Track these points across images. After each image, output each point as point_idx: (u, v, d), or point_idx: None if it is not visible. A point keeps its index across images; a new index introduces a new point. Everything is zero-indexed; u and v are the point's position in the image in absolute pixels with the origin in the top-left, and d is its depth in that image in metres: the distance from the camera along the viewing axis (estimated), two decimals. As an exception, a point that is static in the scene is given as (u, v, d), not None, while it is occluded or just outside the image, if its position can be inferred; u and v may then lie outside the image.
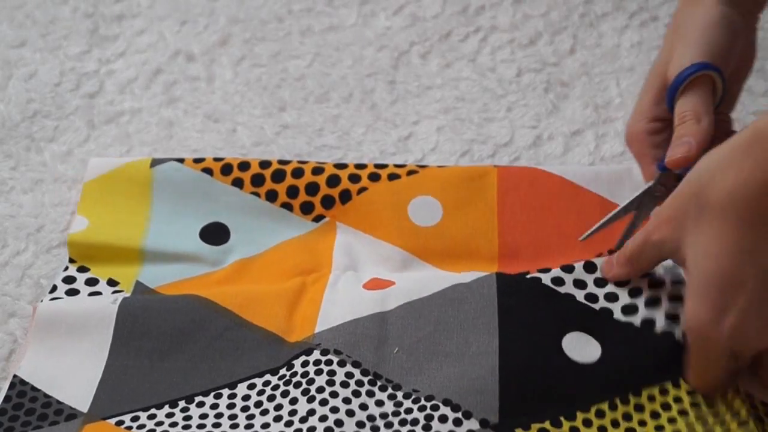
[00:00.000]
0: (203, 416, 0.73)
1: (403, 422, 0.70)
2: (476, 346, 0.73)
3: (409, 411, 0.71)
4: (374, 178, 0.83)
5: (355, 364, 0.74)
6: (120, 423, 0.73)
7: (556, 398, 0.71)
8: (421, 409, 0.71)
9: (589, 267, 0.76)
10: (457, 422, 0.70)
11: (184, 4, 1.00)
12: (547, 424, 0.69)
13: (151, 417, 0.73)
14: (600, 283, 0.76)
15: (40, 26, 0.99)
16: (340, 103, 0.94)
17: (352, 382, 0.73)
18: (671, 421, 0.70)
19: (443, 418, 0.70)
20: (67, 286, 0.81)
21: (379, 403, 0.72)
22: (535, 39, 0.97)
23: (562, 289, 0.75)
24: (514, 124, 0.91)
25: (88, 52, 0.97)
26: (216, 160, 0.85)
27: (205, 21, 0.99)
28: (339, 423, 0.70)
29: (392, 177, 0.84)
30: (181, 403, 0.74)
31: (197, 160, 0.85)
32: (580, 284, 0.76)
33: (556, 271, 0.76)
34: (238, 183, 0.84)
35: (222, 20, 0.99)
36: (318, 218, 0.83)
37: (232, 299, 0.78)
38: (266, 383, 0.74)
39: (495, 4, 0.99)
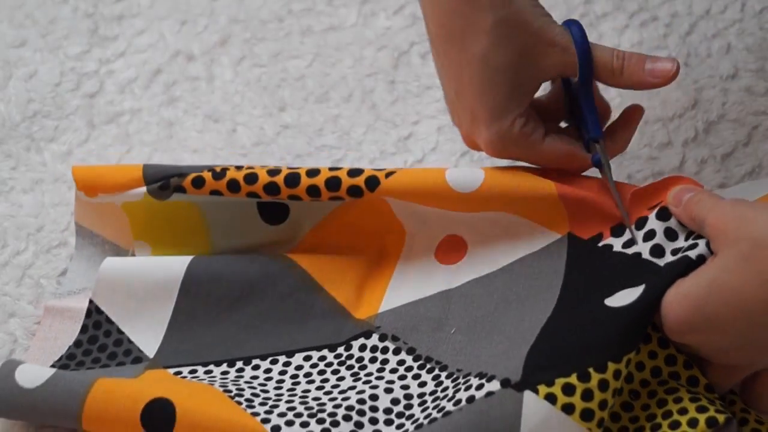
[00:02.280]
0: (254, 377, 0.74)
1: (435, 399, 0.71)
2: (528, 321, 0.72)
3: (445, 389, 0.71)
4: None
5: (410, 351, 0.74)
6: (178, 373, 0.75)
7: (589, 349, 0.68)
8: (456, 385, 0.71)
9: (663, 214, 0.74)
10: (479, 387, 0.68)
11: (184, 4, 1.00)
12: (573, 378, 0.66)
13: (208, 372, 0.75)
14: (671, 235, 0.73)
15: (40, 26, 0.99)
16: (340, 103, 0.94)
17: (402, 368, 0.74)
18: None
19: (468, 387, 0.69)
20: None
21: (422, 385, 0.73)
22: (535, 39, 0.97)
23: (631, 250, 0.73)
24: (514, 124, 0.91)
25: (88, 52, 0.97)
26: (216, 177, 0.79)
27: (205, 21, 0.99)
28: (374, 397, 0.72)
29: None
30: (238, 364, 0.75)
31: (197, 183, 0.79)
32: (649, 235, 0.73)
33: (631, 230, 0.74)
34: (253, 196, 0.79)
35: (222, 20, 0.99)
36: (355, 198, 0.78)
37: (310, 260, 0.78)
38: (322, 358, 0.75)
39: (495, 4, 0.99)
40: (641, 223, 0.74)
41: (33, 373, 0.73)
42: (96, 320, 0.78)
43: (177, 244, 0.81)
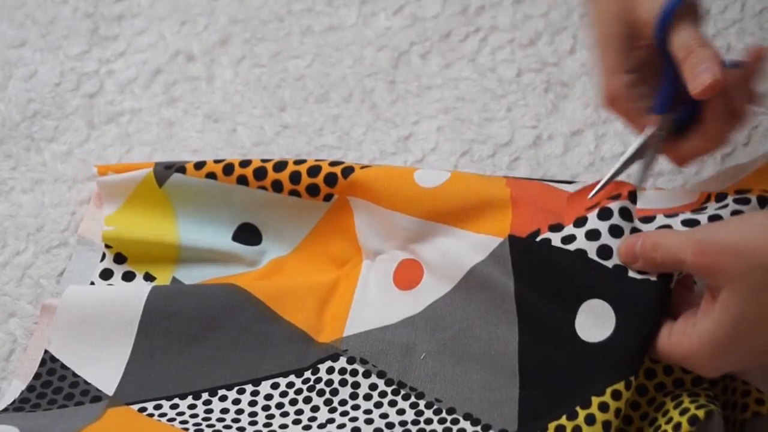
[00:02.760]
0: (224, 411, 0.73)
1: (420, 430, 0.71)
2: (497, 345, 0.72)
3: (429, 421, 0.71)
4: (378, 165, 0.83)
5: (381, 374, 0.74)
6: (142, 410, 0.73)
7: (572, 389, 0.69)
8: (441, 421, 0.71)
9: (604, 214, 0.72)
10: None
11: (184, 4, 1.00)
12: (563, 420, 0.68)
13: (174, 407, 0.74)
14: (615, 231, 0.71)
15: (40, 26, 0.99)
16: (340, 103, 0.94)
17: (375, 393, 0.73)
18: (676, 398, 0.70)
19: (461, 431, 0.70)
20: (105, 282, 0.82)
21: (401, 412, 0.72)
22: (535, 39, 0.97)
23: (572, 246, 0.72)
24: (514, 124, 0.91)
25: (88, 52, 0.97)
26: (216, 162, 0.83)
27: (205, 21, 0.99)
28: (356, 430, 0.71)
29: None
30: (204, 396, 0.74)
31: (198, 165, 0.83)
32: (593, 235, 0.72)
33: (569, 229, 0.73)
34: (242, 180, 0.82)
35: (222, 20, 0.99)
36: (327, 197, 0.81)
37: (265, 290, 0.78)
38: (290, 385, 0.74)
39: (495, 4, 0.99)
40: (580, 222, 0.73)
41: None
42: (50, 368, 0.77)
43: (144, 233, 0.83)
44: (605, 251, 0.71)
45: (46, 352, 0.77)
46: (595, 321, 0.70)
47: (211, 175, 0.83)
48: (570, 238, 0.72)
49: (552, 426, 0.68)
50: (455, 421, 0.71)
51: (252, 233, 0.84)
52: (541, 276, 0.73)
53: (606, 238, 0.71)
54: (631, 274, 0.70)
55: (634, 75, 0.75)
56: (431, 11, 0.99)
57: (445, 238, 0.77)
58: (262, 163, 0.82)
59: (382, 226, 0.80)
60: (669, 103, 0.75)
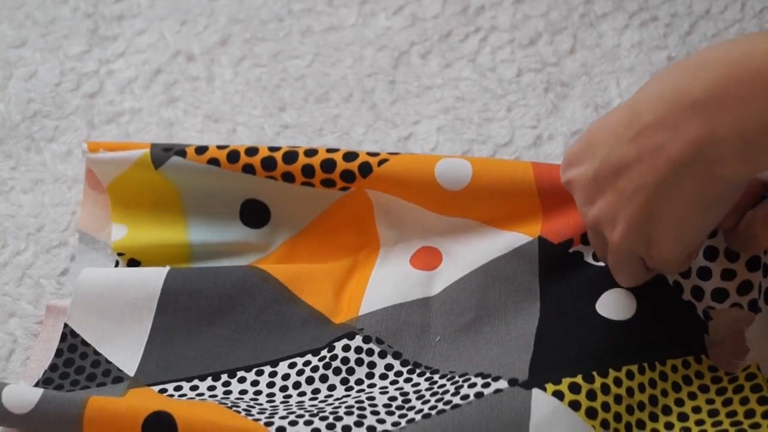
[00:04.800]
0: (243, 392, 0.74)
1: (434, 393, 0.71)
2: (516, 332, 0.74)
3: (443, 386, 0.72)
4: (394, 154, 0.82)
5: (396, 355, 0.75)
6: (163, 391, 0.74)
7: (589, 356, 0.71)
8: (454, 383, 0.72)
9: None
10: (486, 385, 0.70)
11: (184, 4, 1.00)
12: (578, 378, 0.69)
13: (194, 388, 0.74)
14: None
15: (40, 26, 0.99)
16: (340, 103, 0.94)
17: (391, 373, 0.74)
18: (691, 395, 0.71)
19: (472, 385, 0.71)
20: None
21: (416, 385, 0.73)
22: (535, 39, 0.97)
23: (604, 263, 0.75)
24: (514, 124, 0.91)
25: (88, 52, 0.97)
26: (220, 148, 0.83)
27: (205, 21, 0.99)
28: (371, 398, 0.72)
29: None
30: (224, 377, 0.75)
31: (200, 150, 0.83)
32: None
33: None
34: (249, 169, 0.82)
35: (222, 20, 0.99)
36: (343, 189, 0.82)
37: (284, 272, 0.79)
38: (306, 363, 0.75)
39: (495, 4, 0.99)
40: None
41: (20, 397, 0.71)
42: (71, 344, 0.77)
43: (154, 235, 0.83)
44: None
45: (66, 326, 0.77)
46: (616, 301, 0.72)
47: (214, 161, 0.82)
48: None
49: (566, 381, 0.69)
50: (467, 380, 0.72)
51: (260, 209, 0.83)
52: (569, 279, 0.75)
53: None
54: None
55: None
56: (431, 11, 0.99)
57: (470, 232, 0.79)
58: (270, 152, 0.82)
59: (404, 218, 0.81)
60: None
